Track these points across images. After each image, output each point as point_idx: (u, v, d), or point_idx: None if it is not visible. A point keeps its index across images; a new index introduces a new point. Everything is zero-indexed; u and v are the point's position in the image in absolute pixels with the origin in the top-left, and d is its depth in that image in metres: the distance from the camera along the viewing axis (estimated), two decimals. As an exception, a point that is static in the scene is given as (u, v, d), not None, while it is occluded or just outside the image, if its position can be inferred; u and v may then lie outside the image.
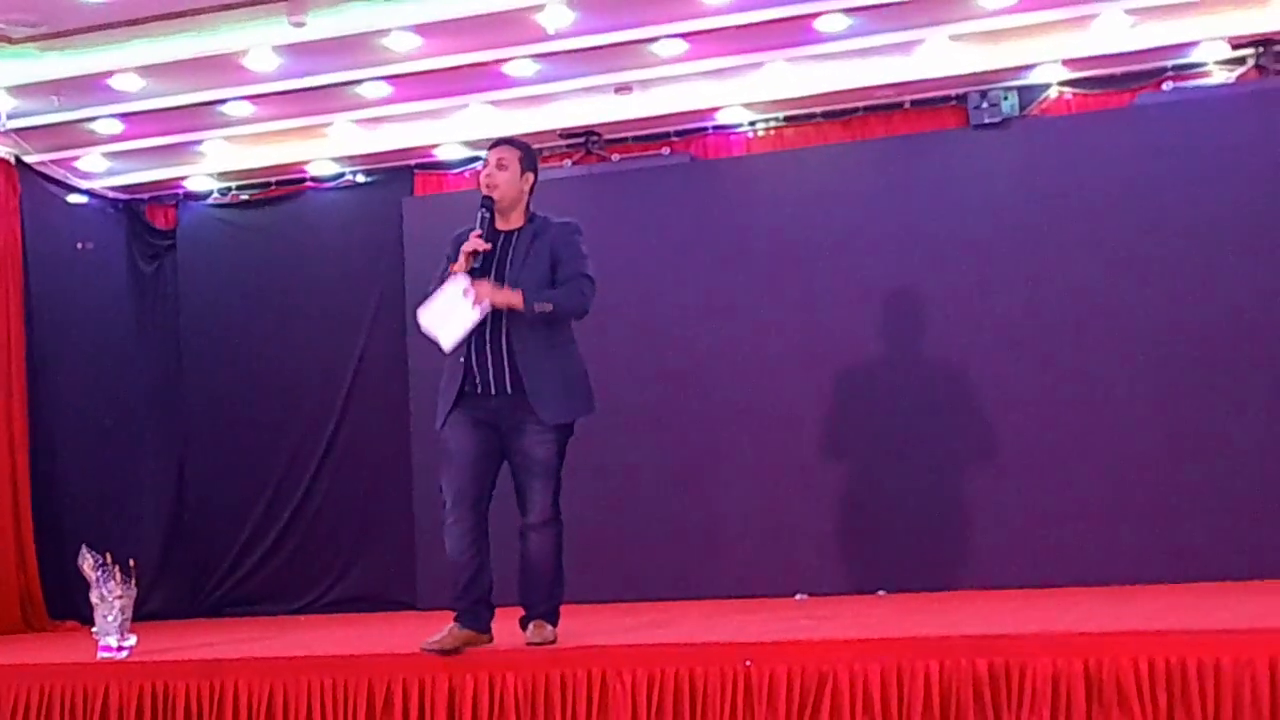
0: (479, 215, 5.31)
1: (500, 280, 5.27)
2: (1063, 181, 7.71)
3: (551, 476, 5.35)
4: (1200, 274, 7.46)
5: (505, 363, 5.26)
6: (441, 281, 5.31)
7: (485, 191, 5.35)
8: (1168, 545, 7.33)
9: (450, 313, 5.21)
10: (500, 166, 5.35)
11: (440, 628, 5.30)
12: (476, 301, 5.16)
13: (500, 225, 5.38)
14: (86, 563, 6.07)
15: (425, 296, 5.36)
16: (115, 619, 6.01)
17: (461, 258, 5.23)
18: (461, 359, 5.29)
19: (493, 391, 5.28)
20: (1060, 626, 4.94)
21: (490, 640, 5.31)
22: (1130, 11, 7.25)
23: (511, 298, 5.20)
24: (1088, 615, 5.50)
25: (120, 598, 6.02)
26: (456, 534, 5.28)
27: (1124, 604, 6.02)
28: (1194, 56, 7.67)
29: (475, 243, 5.23)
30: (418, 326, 5.35)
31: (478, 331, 5.25)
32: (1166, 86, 7.75)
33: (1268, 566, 7.00)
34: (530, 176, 5.43)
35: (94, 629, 6.07)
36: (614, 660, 5.04)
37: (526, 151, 5.45)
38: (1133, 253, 7.57)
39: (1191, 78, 7.76)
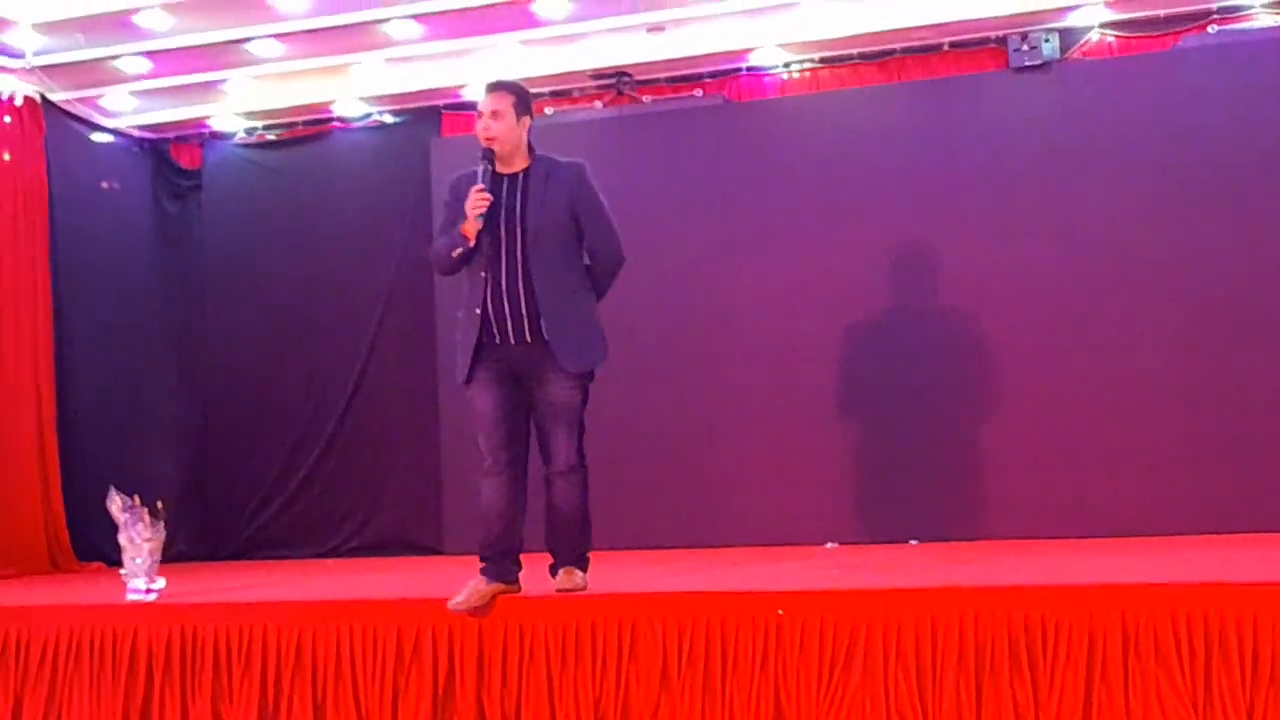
0: (480, 168, 5.24)
1: (517, 226, 5.21)
2: (1103, 126, 7.59)
3: (575, 423, 5.31)
4: (1240, 221, 7.33)
5: (524, 311, 5.19)
6: (448, 231, 5.27)
7: (484, 143, 5.27)
8: (1199, 496, 7.25)
9: None
10: (495, 116, 5.26)
11: (466, 575, 5.27)
12: None
13: (502, 169, 5.30)
14: (115, 504, 6.04)
15: (431, 248, 5.38)
16: (144, 561, 5.98)
17: (471, 219, 5.15)
18: (477, 310, 5.23)
19: (512, 341, 5.22)
20: (1095, 579, 4.88)
21: (518, 590, 5.27)
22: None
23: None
24: (1122, 568, 5.45)
25: (149, 540, 5.99)
26: (492, 487, 5.25)
27: (1158, 556, 5.96)
28: (1239, -1, 7.51)
29: (479, 202, 5.15)
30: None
31: (493, 281, 5.20)
32: (1211, 30, 7.58)
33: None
34: (527, 119, 5.34)
35: (122, 571, 6.05)
36: (644, 608, 5.01)
37: (520, 95, 5.34)
38: (1172, 200, 7.45)
39: (1236, 20, 7.59)
